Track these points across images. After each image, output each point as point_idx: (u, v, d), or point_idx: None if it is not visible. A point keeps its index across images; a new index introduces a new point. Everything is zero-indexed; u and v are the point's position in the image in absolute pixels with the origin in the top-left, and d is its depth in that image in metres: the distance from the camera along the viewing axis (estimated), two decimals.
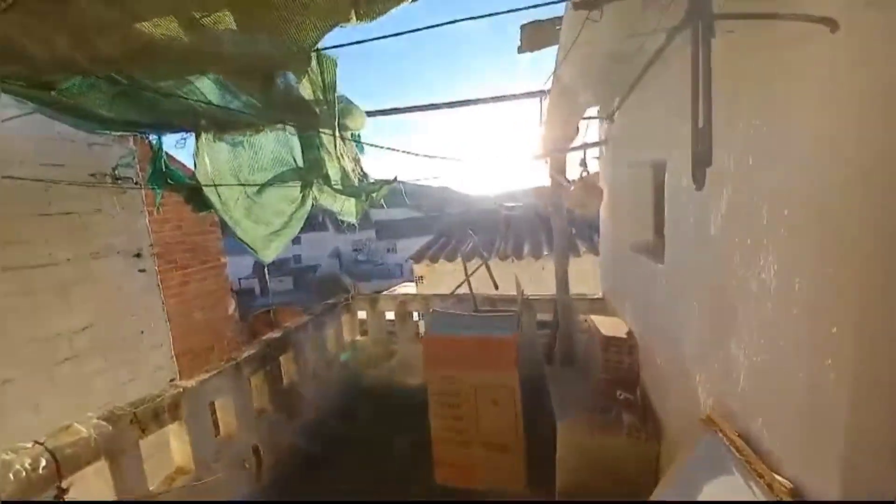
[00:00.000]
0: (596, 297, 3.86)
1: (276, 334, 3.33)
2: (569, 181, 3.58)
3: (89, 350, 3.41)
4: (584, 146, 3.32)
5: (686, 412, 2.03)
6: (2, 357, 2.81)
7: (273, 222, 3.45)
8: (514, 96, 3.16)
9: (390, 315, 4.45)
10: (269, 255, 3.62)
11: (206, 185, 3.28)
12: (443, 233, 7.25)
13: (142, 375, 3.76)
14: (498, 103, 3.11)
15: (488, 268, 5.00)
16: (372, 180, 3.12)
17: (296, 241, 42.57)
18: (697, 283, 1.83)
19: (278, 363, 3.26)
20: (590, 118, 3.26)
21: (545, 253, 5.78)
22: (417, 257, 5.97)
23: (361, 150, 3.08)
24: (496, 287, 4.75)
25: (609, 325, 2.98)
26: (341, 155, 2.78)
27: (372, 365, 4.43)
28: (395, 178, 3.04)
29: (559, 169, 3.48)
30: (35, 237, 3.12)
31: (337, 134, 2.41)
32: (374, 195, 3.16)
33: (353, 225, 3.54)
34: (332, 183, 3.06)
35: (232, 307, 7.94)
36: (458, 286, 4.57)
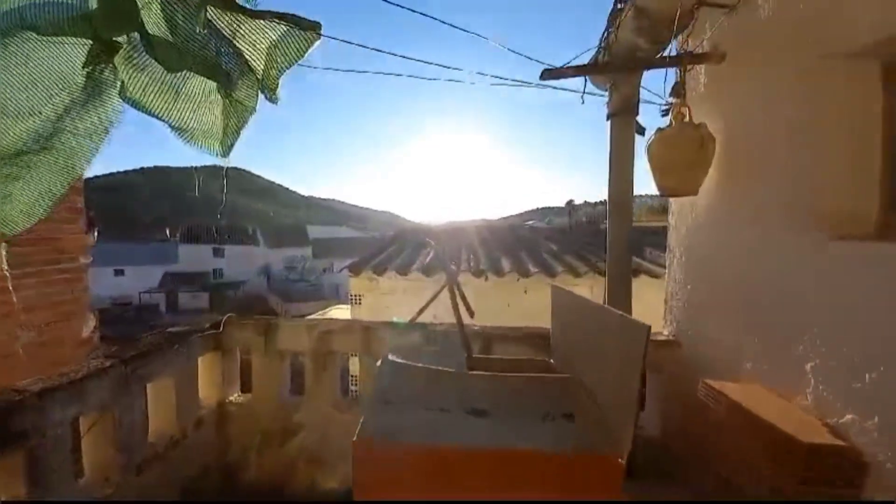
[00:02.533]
0: (661, 337, 2.25)
1: None
2: (641, 128, 2.02)
3: None
4: (685, 57, 1.80)
5: None
6: None
7: (12, 132, 1.43)
8: None
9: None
10: (5, 222, 1.55)
11: None
12: (394, 240, 5.39)
13: None
14: None
15: (458, 287, 3.27)
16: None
17: (217, 253, 38.14)
18: None
19: None
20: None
21: (534, 271, 4.17)
22: (356, 267, 4.04)
23: None
24: (471, 314, 3.01)
25: (772, 408, 1.37)
26: None
27: (254, 448, 2.37)
28: (321, 34, 1.25)
29: (626, 98, 1.92)
30: None
31: None
32: (250, 79, 1.32)
33: (223, 159, 1.62)
34: (154, 39, 1.21)
35: (89, 328, 5.35)
36: (425, 307, 2.76)
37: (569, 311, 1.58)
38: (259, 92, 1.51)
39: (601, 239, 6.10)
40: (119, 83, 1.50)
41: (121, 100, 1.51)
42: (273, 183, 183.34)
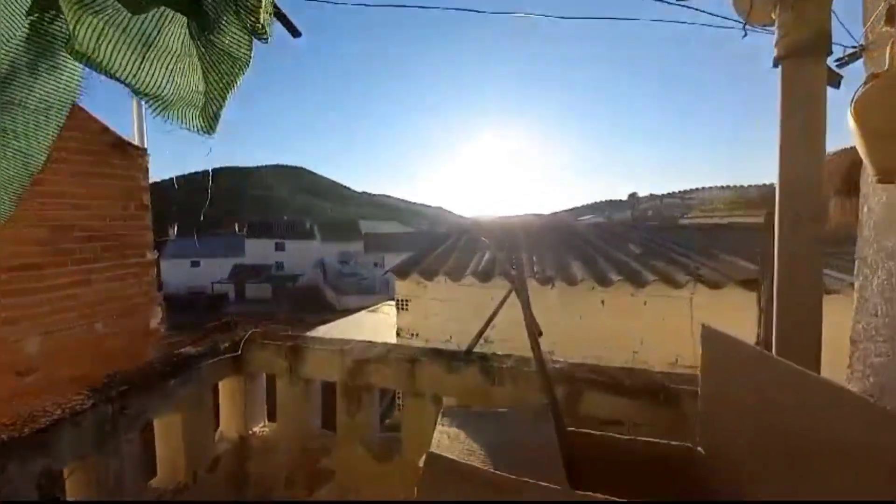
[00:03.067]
0: None
1: None
2: (837, 76, 1.29)
3: None
4: None
5: None
6: None
7: None
8: None
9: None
10: None
11: None
12: (445, 237, 4.85)
13: None
14: None
15: (525, 296, 2.69)
16: None
17: (279, 247, 40.52)
18: None
19: None
20: None
21: (616, 279, 3.38)
22: (402, 270, 3.54)
23: None
24: (539, 332, 2.42)
25: None
26: None
27: (276, 493, 1.98)
28: None
29: (813, 28, 1.22)
30: None
31: None
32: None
33: (207, 135, 1.19)
34: None
35: (157, 319, 5.46)
36: (485, 328, 2.21)
37: (744, 373, 0.93)
38: (251, 36, 1.03)
39: (684, 237, 5.12)
40: (68, 28, 1.06)
41: (76, 49, 1.07)
42: (329, 179, 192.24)
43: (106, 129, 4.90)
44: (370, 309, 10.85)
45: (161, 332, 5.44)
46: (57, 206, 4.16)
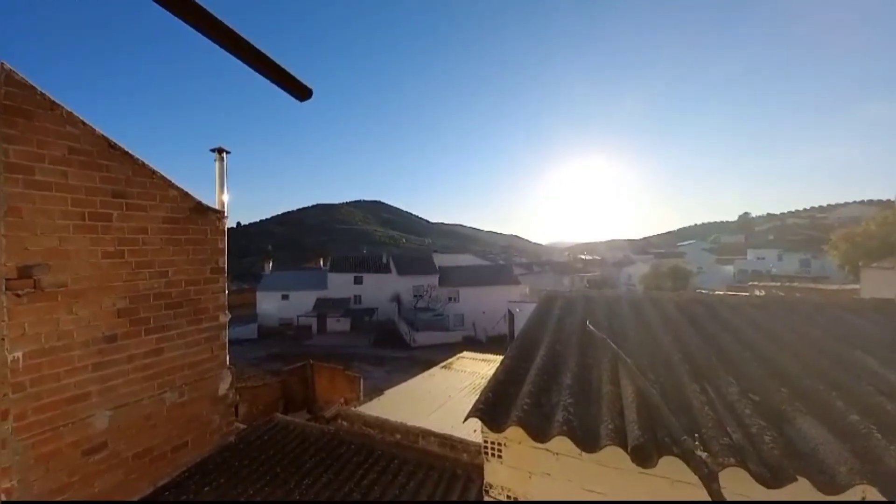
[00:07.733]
0: None
1: None
2: None
3: None
4: None
5: None
6: None
7: None
8: None
9: None
10: None
11: None
12: (541, 320, 3.63)
13: None
14: None
15: (716, 487, 1.43)
16: None
17: (358, 280, 42.13)
18: None
19: None
20: None
21: None
22: (489, 412, 1.96)
23: None
24: None
25: None
26: None
27: None
28: None
29: None
30: None
31: None
32: None
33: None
34: None
35: (226, 384, 5.14)
36: None
37: None
38: None
39: None
40: None
41: None
42: (405, 211, 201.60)
43: (186, 195, 4.78)
44: (443, 364, 9.78)
45: (230, 398, 5.06)
46: (142, 276, 3.96)
